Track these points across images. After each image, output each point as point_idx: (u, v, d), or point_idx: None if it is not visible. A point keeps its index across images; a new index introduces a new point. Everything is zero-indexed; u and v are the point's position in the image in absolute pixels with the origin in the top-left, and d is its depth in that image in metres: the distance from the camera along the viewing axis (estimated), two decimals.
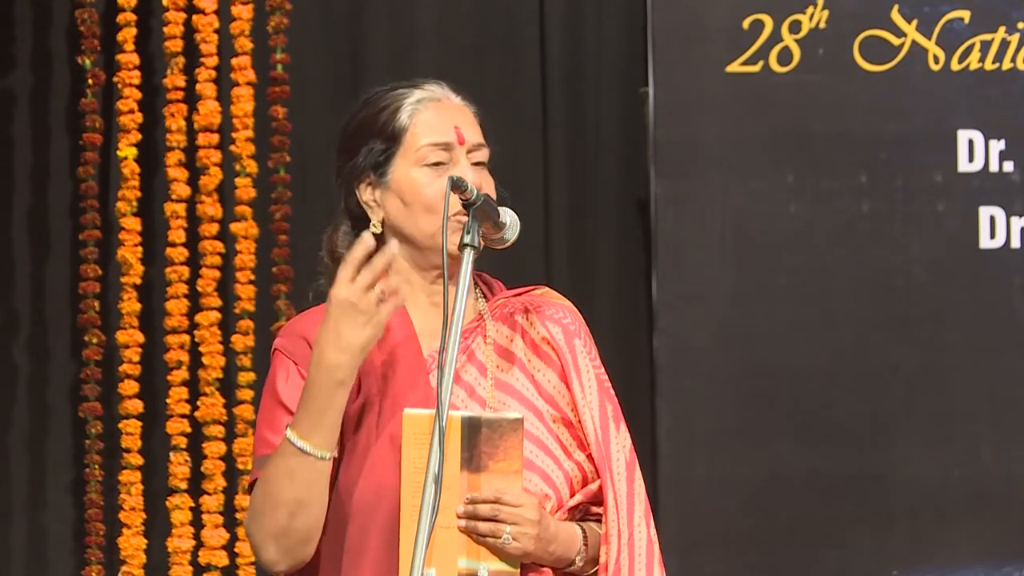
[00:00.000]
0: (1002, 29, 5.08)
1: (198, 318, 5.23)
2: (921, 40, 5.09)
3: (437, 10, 5.43)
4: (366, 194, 2.84)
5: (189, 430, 5.23)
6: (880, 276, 5.06)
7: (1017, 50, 5.08)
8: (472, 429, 2.59)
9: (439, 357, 2.56)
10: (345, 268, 2.63)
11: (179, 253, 5.25)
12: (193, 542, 5.20)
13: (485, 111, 2.86)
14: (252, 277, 5.24)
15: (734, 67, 5.09)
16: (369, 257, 2.64)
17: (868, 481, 5.02)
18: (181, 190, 5.27)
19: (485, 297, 2.85)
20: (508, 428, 2.60)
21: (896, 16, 5.09)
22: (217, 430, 5.21)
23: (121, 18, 5.29)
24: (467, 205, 2.65)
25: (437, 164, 2.77)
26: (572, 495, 2.75)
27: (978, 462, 5.03)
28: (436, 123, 2.80)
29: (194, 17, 5.29)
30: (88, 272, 5.29)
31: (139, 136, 5.29)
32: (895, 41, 5.09)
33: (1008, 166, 5.07)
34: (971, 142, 5.07)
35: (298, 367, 2.75)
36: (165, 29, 5.28)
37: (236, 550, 5.20)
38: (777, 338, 5.05)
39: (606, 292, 5.37)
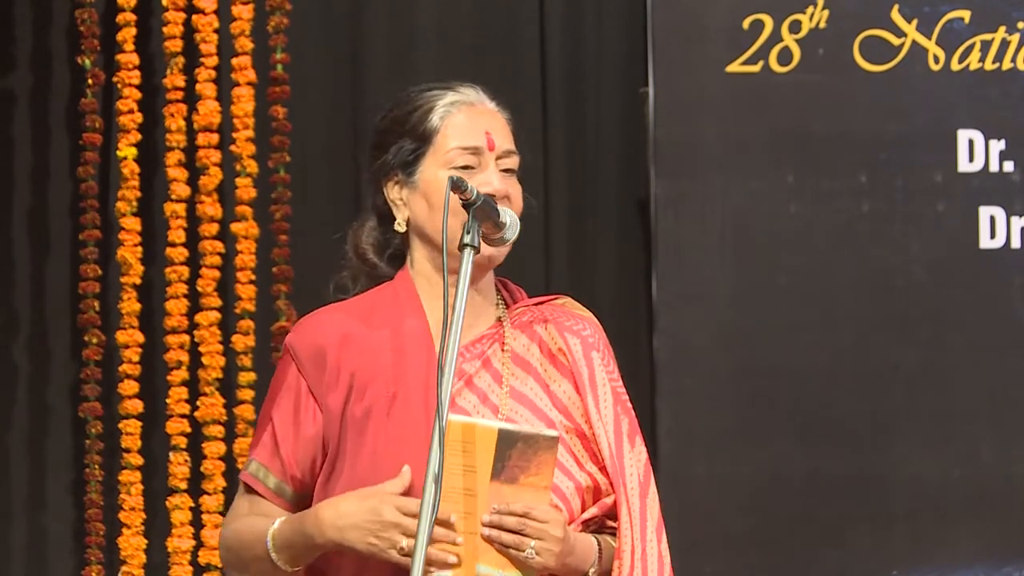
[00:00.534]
0: (1002, 29, 5.08)
1: (198, 318, 5.23)
2: (921, 40, 5.09)
3: (437, 10, 5.43)
4: (393, 192, 2.83)
5: (189, 430, 5.23)
6: (880, 276, 5.06)
7: (1017, 50, 5.08)
8: (508, 441, 2.61)
9: (439, 357, 2.55)
10: (412, 502, 2.61)
11: (179, 253, 5.25)
12: (193, 542, 5.20)
13: None
14: (253, 277, 5.24)
15: (734, 67, 5.09)
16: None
17: (868, 481, 5.02)
18: (181, 190, 5.27)
19: (506, 304, 2.85)
20: (544, 445, 2.62)
21: (896, 16, 5.09)
22: (217, 430, 5.21)
23: (121, 18, 5.29)
24: (467, 205, 2.65)
25: (465, 167, 2.77)
26: (583, 507, 2.76)
27: (978, 462, 5.03)
28: (467, 127, 2.79)
29: (194, 17, 5.29)
30: (88, 272, 5.29)
31: (139, 136, 5.29)
32: (895, 41, 5.09)
33: (1008, 166, 5.07)
34: (971, 142, 5.07)
35: (303, 376, 2.77)
36: (165, 29, 5.28)
37: None
38: (777, 338, 5.05)
39: (606, 292, 5.37)
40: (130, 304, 5.25)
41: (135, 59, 5.29)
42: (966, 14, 5.08)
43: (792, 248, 5.07)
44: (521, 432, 2.62)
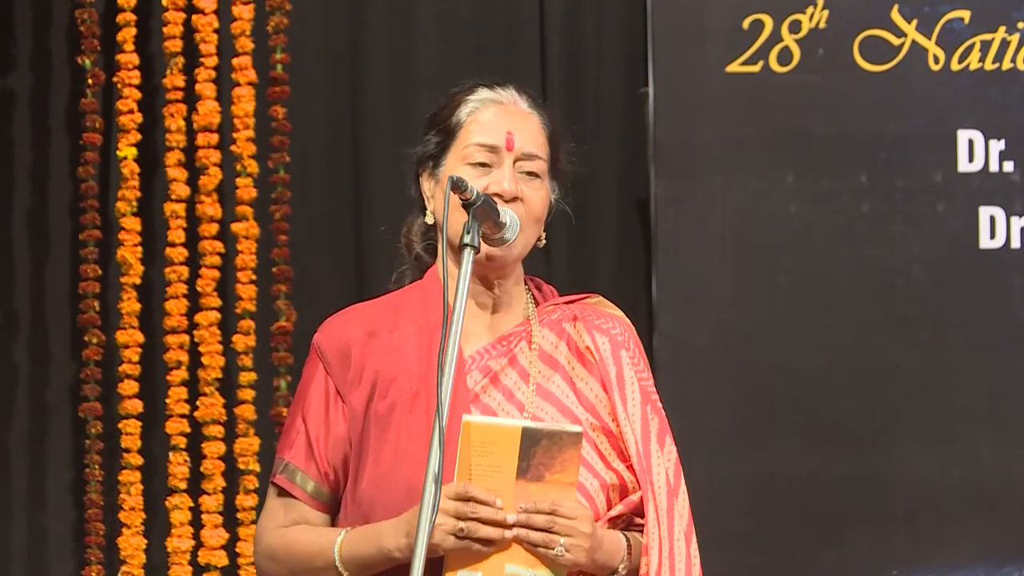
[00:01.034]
0: (1002, 29, 5.08)
1: (198, 318, 5.23)
2: (921, 40, 5.09)
3: (437, 10, 5.42)
4: (425, 183, 2.85)
5: (189, 430, 5.22)
6: (880, 276, 5.06)
7: (1017, 50, 5.08)
8: (532, 439, 2.60)
9: (439, 357, 2.55)
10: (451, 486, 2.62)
11: (179, 253, 5.25)
12: (193, 542, 5.20)
13: None
14: (253, 277, 5.24)
15: (734, 67, 5.09)
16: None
17: (868, 481, 5.02)
18: (181, 190, 5.27)
19: (536, 302, 2.86)
20: (568, 441, 2.61)
21: (896, 16, 5.09)
22: (217, 430, 5.21)
23: (121, 18, 5.29)
24: (467, 205, 2.65)
25: (482, 164, 2.77)
26: (609, 504, 2.76)
27: (978, 462, 5.03)
28: (490, 124, 2.80)
29: (194, 17, 5.29)
30: (88, 272, 5.29)
31: (139, 136, 5.29)
32: (895, 41, 5.09)
33: (1008, 166, 5.07)
34: (971, 142, 5.07)
35: (330, 376, 2.78)
36: (165, 29, 5.28)
37: (236, 550, 5.20)
38: (777, 338, 5.05)
39: (606, 292, 5.33)
40: (130, 304, 5.25)
41: (135, 59, 5.29)
42: (966, 14, 5.08)
43: (792, 248, 5.07)
44: (544, 429, 2.61)
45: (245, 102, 5.24)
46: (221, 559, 5.18)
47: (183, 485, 5.21)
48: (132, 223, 5.26)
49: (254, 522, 5.07)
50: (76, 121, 5.35)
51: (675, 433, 2.87)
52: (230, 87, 5.27)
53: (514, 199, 2.76)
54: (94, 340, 5.27)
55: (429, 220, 2.84)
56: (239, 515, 5.18)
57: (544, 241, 2.85)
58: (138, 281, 5.27)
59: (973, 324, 5.05)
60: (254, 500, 5.16)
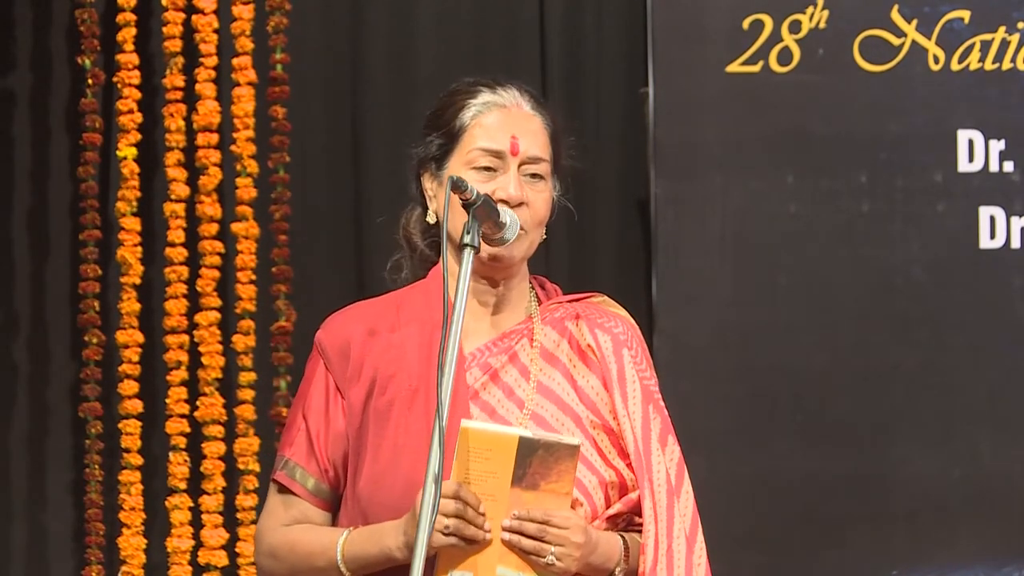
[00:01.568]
0: (1002, 29, 5.08)
1: (197, 318, 5.23)
2: (921, 40, 5.09)
3: (437, 10, 5.42)
4: (427, 183, 2.86)
5: (189, 430, 5.22)
6: (880, 276, 5.06)
7: (1017, 50, 5.08)
8: (529, 449, 2.61)
9: (439, 357, 2.56)
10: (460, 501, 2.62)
11: (179, 253, 5.25)
12: (193, 542, 5.20)
13: None
14: (253, 277, 5.24)
15: (734, 67, 5.09)
16: None
17: (868, 481, 5.02)
18: (181, 190, 5.27)
19: (539, 300, 2.86)
20: (565, 453, 2.62)
21: (896, 16, 5.09)
22: (217, 430, 5.21)
23: (121, 18, 5.29)
24: (467, 205, 2.66)
25: (486, 169, 2.78)
26: (608, 502, 2.76)
27: (978, 462, 5.03)
28: (494, 129, 2.80)
29: (194, 17, 5.29)
30: (88, 272, 5.28)
31: (139, 136, 5.29)
32: (895, 41, 5.09)
33: (1008, 166, 5.07)
34: (971, 142, 5.07)
35: (330, 372, 2.78)
36: (165, 29, 5.28)
37: (236, 550, 5.20)
38: (777, 338, 5.05)
39: (606, 292, 5.34)
40: (130, 304, 5.25)
41: (135, 59, 5.29)
42: (966, 14, 5.08)
43: (792, 248, 5.07)
44: (542, 440, 2.62)
45: (245, 102, 5.24)
46: (221, 559, 5.18)
47: (183, 485, 5.21)
48: (132, 223, 5.26)
49: (254, 522, 5.07)
50: (76, 121, 5.35)
51: (675, 433, 2.87)
52: (230, 87, 5.27)
53: (521, 204, 2.77)
54: (94, 340, 5.27)
55: (431, 219, 2.85)
56: (239, 515, 5.18)
57: (544, 235, 2.86)
58: (138, 281, 5.27)
59: (973, 324, 5.05)
60: (254, 500, 5.16)
